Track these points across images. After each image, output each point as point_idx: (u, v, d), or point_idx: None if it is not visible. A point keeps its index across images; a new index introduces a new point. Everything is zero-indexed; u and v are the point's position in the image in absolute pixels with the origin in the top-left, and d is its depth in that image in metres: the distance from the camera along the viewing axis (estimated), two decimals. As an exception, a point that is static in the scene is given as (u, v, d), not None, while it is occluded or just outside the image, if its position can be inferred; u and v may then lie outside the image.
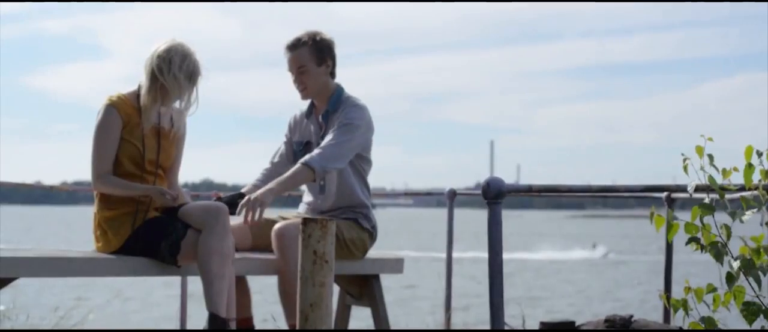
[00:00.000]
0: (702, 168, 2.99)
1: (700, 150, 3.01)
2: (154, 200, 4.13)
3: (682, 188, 3.11)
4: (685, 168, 3.03)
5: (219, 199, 4.31)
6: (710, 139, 3.01)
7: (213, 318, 3.92)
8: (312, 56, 4.49)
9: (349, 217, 4.54)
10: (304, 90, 4.53)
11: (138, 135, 4.11)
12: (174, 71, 4.07)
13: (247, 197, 4.20)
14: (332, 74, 4.57)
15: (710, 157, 3.00)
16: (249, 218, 4.12)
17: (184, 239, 4.00)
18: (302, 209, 4.71)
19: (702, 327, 3.04)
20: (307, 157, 4.33)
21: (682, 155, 3.00)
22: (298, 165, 4.33)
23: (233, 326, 4.00)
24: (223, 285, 3.93)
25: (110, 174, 4.08)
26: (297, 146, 4.65)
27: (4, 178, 6.30)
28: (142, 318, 15.94)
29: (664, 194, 4.89)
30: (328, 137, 4.41)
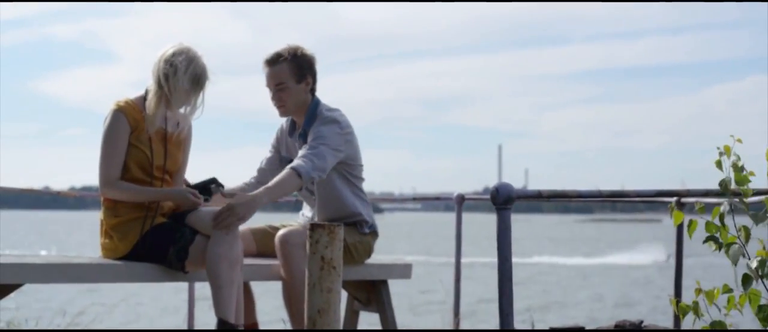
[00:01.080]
0: (735, 164, 2.94)
1: (728, 149, 2.97)
2: (162, 205, 4.12)
3: (693, 193, 3.09)
4: (719, 163, 2.98)
5: (189, 185, 4.22)
6: (739, 140, 2.97)
7: (222, 323, 3.91)
8: (292, 73, 4.37)
9: (347, 223, 4.49)
10: (282, 108, 4.41)
11: (145, 140, 4.08)
12: (179, 76, 4.04)
13: (230, 205, 3.99)
14: (312, 92, 4.45)
15: (737, 157, 2.96)
16: (223, 226, 3.93)
17: (192, 244, 3.98)
18: (302, 220, 4.67)
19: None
20: (295, 163, 4.22)
21: (718, 148, 2.96)
22: (286, 170, 4.19)
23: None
24: (232, 290, 3.92)
25: (119, 180, 4.06)
26: (284, 162, 4.53)
27: (12, 183, 6.28)
28: (150, 324, 15.90)
29: (673, 199, 4.85)
30: (306, 148, 4.28)
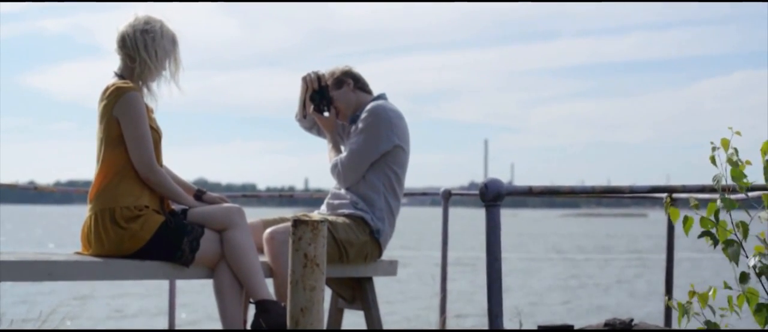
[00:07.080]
0: (730, 159, 2.84)
1: (725, 143, 2.87)
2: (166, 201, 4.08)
3: (688, 189, 2.99)
4: (713, 159, 2.89)
5: (314, 90, 4.56)
6: (738, 133, 2.87)
7: (267, 304, 3.94)
8: (332, 86, 4.67)
9: (354, 213, 4.43)
10: (341, 114, 4.69)
11: (153, 119, 4.08)
12: (157, 41, 4.05)
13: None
14: (364, 90, 4.69)
15: (736, 150, 2.86)
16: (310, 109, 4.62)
17: (203, 237, 3.99)
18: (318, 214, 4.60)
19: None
20: (337, 159, 4.54)
21: (711, 143, 2.87)
22: (333, 161, 4.57)
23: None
24: (262, 274, 4.02)
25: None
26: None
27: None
28: (132, 323, 15.76)
29: (664, 195, 4.74)
30: (349, 143, 4.52)
